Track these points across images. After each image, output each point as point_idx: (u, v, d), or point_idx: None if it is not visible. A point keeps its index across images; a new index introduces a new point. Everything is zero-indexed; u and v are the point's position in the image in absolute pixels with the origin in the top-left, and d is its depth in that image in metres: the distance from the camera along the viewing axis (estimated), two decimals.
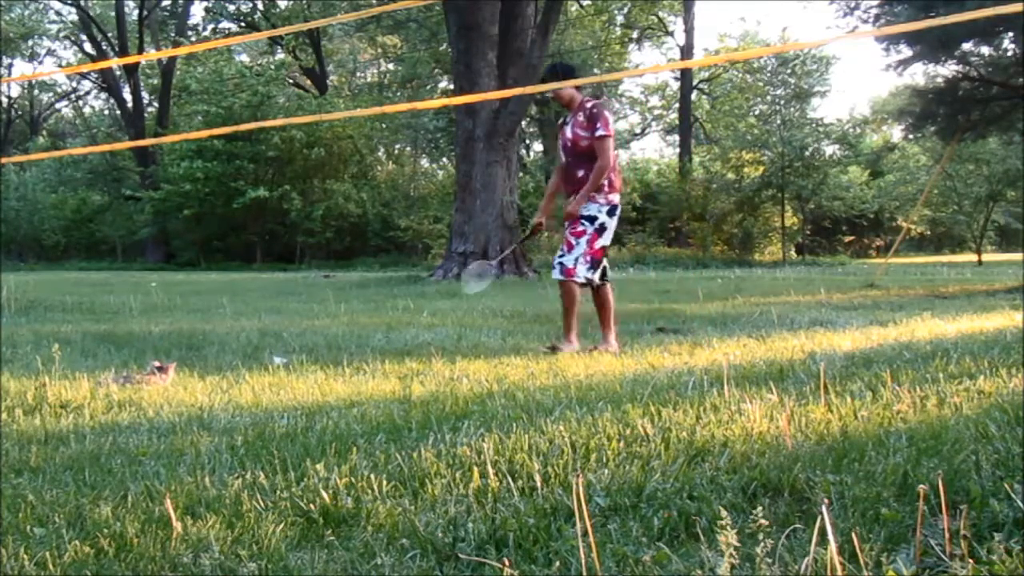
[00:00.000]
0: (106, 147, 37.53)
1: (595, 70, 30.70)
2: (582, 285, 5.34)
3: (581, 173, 5.31)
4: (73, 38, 39.24)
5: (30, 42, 40.52)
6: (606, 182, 5.28)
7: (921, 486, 1.77)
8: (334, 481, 2.36)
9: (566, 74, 5.50)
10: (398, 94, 34.79)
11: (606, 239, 5.35)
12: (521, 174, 29.17)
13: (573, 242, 5.29)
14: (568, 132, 5.38)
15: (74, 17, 36.59)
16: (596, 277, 5.34)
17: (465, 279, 5.77)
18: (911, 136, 17.62)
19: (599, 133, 5.22)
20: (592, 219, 5.28)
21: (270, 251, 29.83)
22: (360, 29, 33.07)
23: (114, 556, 1.94)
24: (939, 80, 12.81)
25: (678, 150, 34.51)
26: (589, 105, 5.31)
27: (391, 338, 6.11)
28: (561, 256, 5.33)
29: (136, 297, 10.69)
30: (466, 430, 2.91)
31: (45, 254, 33.63)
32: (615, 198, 5.36)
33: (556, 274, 5.34)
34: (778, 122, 27.68)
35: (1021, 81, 11.35)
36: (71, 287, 14.15)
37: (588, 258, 5.28)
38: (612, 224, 5.36)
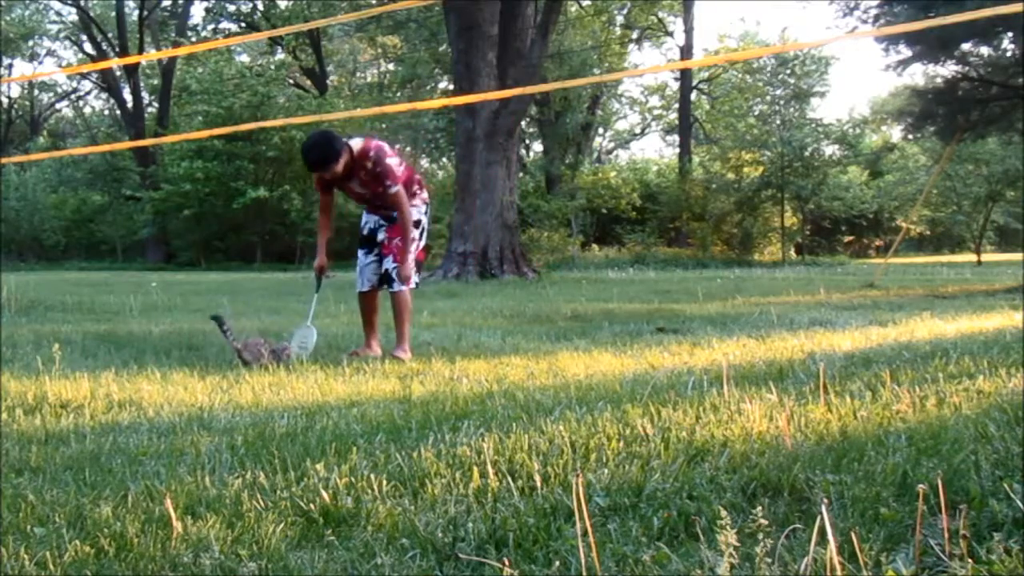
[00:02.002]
0: (106, 147, 37.52)
1: (595, 70, 30.70)
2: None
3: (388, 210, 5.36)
4: (73, 38, 39.23)
5: (30, 42, 40.49)
6: (416, 187, 5.37)
7: (921, 486, 1.77)
8: (334, 481, 2.37)
9: (338, 150, 5.12)
10: (398, 94, 34.78)
11: (424, 239, 5.47)
12: (521, 174, 29.20)
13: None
14: (357, 188, 5.31)
15: (74, 17, 36.58)
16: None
17: (296, 349, 5.22)
18: (911, 136, 17.64)
19: (392, 191, 5.16)
20: (417, 223, 5.34)
21: (270, 251, 29.81)
22: (360, 29, 33.03)
23: (114, 556, 1.94)
24: (939, 80, 12.82)
25: (678, 150, 34.51)
26: (370, 164, 5.16)
27: (391, 338, 6.10)
28: (396, 268, 5.30)
29: (136, 297, 10.69)
30: (466, 430, 2.91)
31: (45, 254, 33.58)
32: (425, 195, 5.46)
33: (398, 287, 5.31)
34: (778, 122, 27.67)
35: (1021, 81, 11.35)
36: (71, 287, 14.14)
37: (416, 263, 5.38)
38: (427, 221, 5.50)
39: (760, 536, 1.66)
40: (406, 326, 5.35)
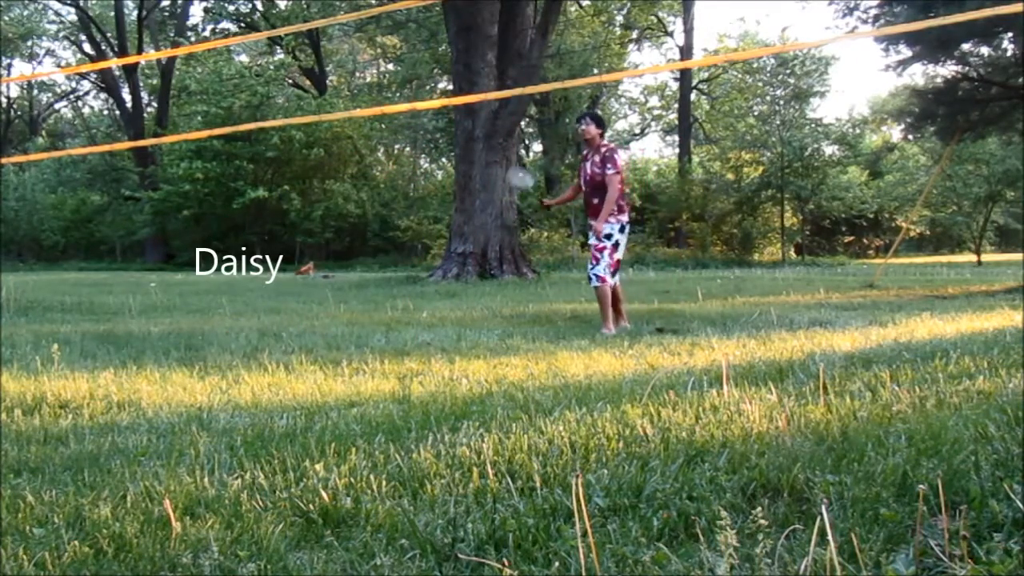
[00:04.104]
0: (106, 147, 37.47)
1: (595, 70, 30.68)
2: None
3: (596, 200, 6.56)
4: (72, 38, 39.24)
5: (29, 42, 40.52)
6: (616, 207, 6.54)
7: (920, 486, 1.77)
8: (333, 481, 2.36)
9: None
10: (398, 94, 34.78)
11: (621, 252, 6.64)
12: (520, 174, 29.12)
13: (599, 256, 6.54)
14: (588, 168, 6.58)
15: (73, 17, 36.59)
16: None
17: None
18: (911, 136, 17.66)
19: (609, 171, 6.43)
20: (608, 236, 6.54)
21: (269, 251, 29.82)
22: (360, 29, 33.04)
23: (113, 556, 1.94)
24: (938, 80, 12.82)
25: (677, 150, 34.51)
26: (604, 150, 6.51)
27: (390, 338, 6.11)
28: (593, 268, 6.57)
29: (135, 297, 10.69)
30: (465, 430, 2.90)
31: (44, 254, 33.61)
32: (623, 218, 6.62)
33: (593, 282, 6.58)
34: (777, 122, 27.69)
35: (1020, 81, 11.36)
36: (70, 287, 14.14)
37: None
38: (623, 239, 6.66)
39: (760, 537, 1.66)
40: (607, 310, 6.56)
